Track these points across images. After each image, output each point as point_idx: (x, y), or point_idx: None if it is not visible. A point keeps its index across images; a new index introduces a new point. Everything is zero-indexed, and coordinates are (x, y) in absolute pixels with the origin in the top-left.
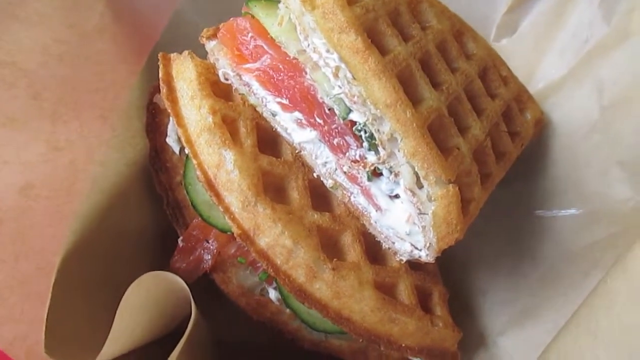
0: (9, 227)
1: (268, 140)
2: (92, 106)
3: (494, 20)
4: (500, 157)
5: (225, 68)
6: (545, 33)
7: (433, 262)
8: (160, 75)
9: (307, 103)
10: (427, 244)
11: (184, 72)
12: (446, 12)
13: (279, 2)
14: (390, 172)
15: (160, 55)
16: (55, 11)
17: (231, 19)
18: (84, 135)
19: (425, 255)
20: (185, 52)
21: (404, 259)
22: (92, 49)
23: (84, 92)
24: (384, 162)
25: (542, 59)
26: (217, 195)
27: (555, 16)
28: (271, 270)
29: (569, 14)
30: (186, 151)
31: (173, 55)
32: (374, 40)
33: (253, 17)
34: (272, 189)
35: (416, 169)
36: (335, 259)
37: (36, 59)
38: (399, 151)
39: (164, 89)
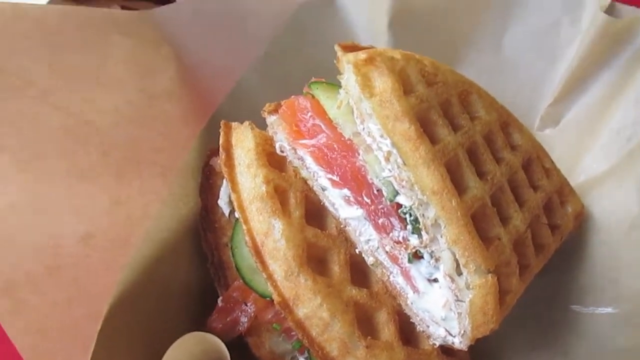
0: (67, 273)
1: (315, 212)
2: (154, 164)
3: (539, 111)
4: (539, 250)
5: (282, 141)
6: (588, 127)
7: (465, 349)
8: (220, 141)
9: (356, 182)
10: (462, 331)
11: (243, 141)
12: (494, 103)
13: (340, 86)
14: (431, 257)
15: (222, 122)
16: (130, 76)
17: (292, 97)
18: (143, 191)
19: (458, 342)
20: (246, 123)
21: (437, 344)
22: (160, 110)
23: (149, 150)
24: (425, 246)
25: (584, 152)
26: (263, 262)
27: (599, 112)
28: (306, 340)
29: (614, 111)
30: (237, 215)
31: (234, 124)
32: (425, 128)
33: (313, 97)
34: (314, 260)
35: (457, 256)
36: (369, 337)
37: (109, 119)
38: (441, 237)
39: (222, 155)
